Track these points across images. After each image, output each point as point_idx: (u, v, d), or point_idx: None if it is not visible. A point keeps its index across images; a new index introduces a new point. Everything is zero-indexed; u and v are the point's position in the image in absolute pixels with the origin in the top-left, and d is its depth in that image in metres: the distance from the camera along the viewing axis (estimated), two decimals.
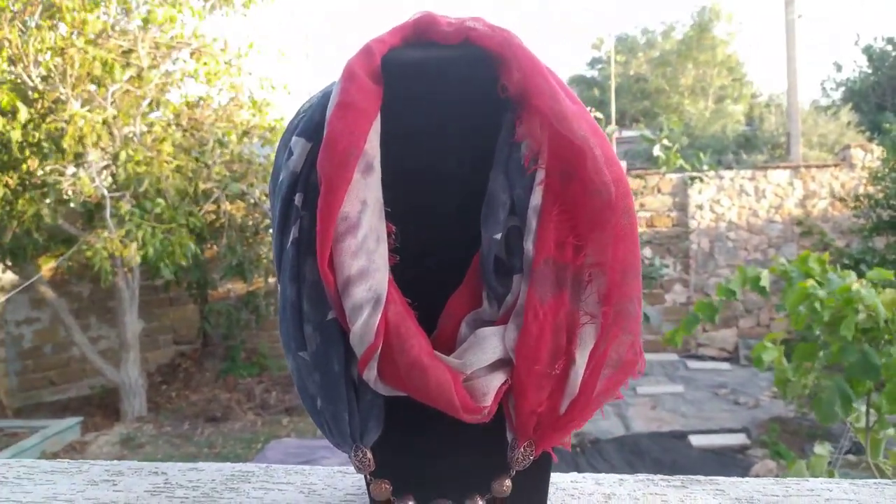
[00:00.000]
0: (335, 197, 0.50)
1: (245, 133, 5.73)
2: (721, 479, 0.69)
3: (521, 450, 0.54)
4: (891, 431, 2.65)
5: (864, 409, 2.67)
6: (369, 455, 0.55)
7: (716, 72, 16.98)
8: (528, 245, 0.52)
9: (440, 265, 0.56)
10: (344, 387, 0.53)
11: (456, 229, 0.56)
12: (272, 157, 4.95)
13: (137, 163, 4.85)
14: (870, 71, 16.83)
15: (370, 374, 0.51)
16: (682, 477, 0.70)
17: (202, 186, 5.53)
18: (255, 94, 5.89)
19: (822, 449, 3.56)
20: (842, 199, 7.99)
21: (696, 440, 5.23)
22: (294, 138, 0.55)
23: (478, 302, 0.54)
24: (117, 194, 4.92)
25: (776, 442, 5.03)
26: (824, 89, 23.21)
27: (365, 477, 0.57)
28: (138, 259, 4.84)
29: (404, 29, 0.56)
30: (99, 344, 6.80)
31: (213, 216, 6.28)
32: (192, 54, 5.56)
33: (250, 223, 6.58)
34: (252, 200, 6.12)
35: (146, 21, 5.21)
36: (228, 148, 5.55)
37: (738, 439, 5.27)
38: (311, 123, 0.55)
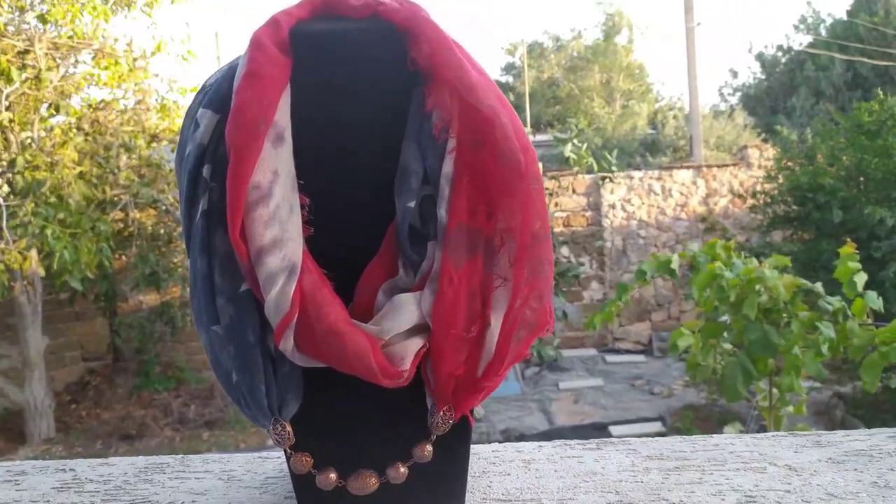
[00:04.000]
0: (245, 166, 0.49)
1: (154, 137, 5.51)
2: (633, 439, 0.72)
3: (441, 414, 0.55)
4: (790, 409, 2.84)
5: (767, 389, 2.85)
6: (288, 428, 0.54)
7: (621, 76, 17.65)
8: (442, 212, 0.53)
9: (355, 236, 0.56)
10: (260, 358, 0.52)
11: (369, 200, 0.56)
12: None
13: (36, 168, 4.57)
14: (763, 77, 17.91)
15: (287, 345, 0.50)
16: (596, 440, 0.73)
17: (109, 193, 5.27)
18: (163, 98, 5.68)
19: (732, 430, 3.74)
20: (741, 197, 8.46)
21: (616, 430, 5.41)
22: (201, 110, 0.54)
23: (394, 270, 0.54)
24: (16, 202, 4.62)
25: (690, 428, 5.26)
26: (722, 94, 24.53)
27: (285, 451, 0.56)
28: (42, 271, 4.56)
29: (312, 2, 0.56)
30: (0, 363, 6.38)
31: (122, 224, 6.00)
32: (94, 56, 5.30)
33: (162, 231, 6.32)
34: (164, 207, 5.89)
35: (43, 19, 4.93)
36: (136, 153, 5.32)
37: (655, 427, 5.49)
38: (218, 95, 0.54)
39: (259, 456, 0.73)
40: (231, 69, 0.56)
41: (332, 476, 0.56)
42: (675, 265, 2.55)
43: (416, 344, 0.52)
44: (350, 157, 0.57)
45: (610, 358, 7.78)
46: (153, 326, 6.79)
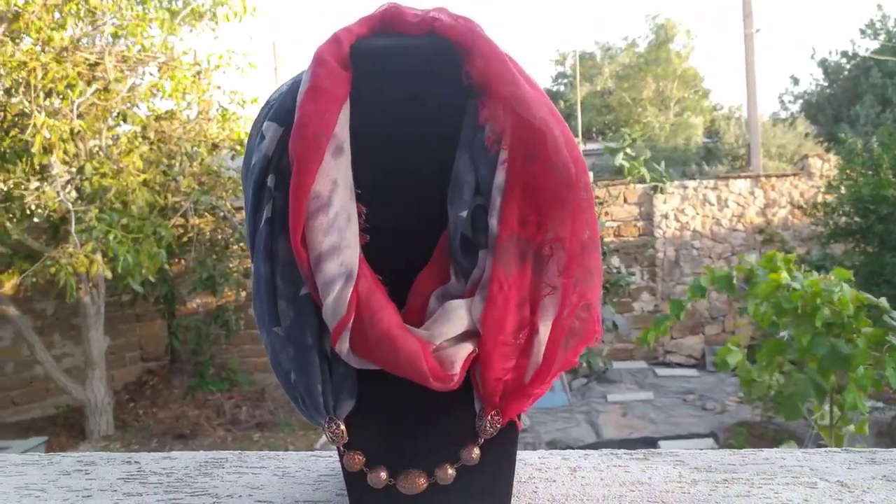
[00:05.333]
0: (307, 176, 0.52)
1: (214, 146, 5.70)
2: (681, 451, 0.72)
3: (489, 418, 0.56)
4: (851, 428, 2.74)
5: (827, 407, 2.76)
6: (342, 427, 0.56)
7: (675, 85, 17.37)
8: (493, 221, 0.54)
9: (408, 244, 0.58)
10: (317, 360, 0.54)
11: (423, 209, 0.58)
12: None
13: (103, 175, 4.78)
14: (826, 84, 17.36)
15: (342, 347, 0.53)
16: (643, 451, 0.73)
17: (170, 199, 5.47)
18: (224, 108, 5.86)
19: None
20: (801, 208, 8.20)
21: (666, 446, 5.29)
22: (266, 123, 0.57)
23: (445, 277, 0.56)
24: (83, 208, 4.84)
25: (743, 445, 5.11)
26: (782, 102, 23.83)
27: (338, 449, 0.58)
28: (109, 273, 4.76)
29: (371, 20, 0.59)
30: (63, 362, 6.65)
31: (181, 230, 6.21)
32: (159, 68, 5.52)
33: (219, 237, 6.51)
34: (221, 214, 6.07)
35: (115, 35, 5.16)
36: (197, 160, 5.51)
37: (707, 444, 5.35)
38: (283, 109, 0.57)
39: (312, 454, 0.76)
40: (295, 84, 0.59)
41: (383, 475, 0.58)
42: (734, 280, 2.50)
43: (466, 349, 0.54)
44: (405, 167, 0.59)
45: (660, 371, 7.63)
46: (208, 329, 6.99)
